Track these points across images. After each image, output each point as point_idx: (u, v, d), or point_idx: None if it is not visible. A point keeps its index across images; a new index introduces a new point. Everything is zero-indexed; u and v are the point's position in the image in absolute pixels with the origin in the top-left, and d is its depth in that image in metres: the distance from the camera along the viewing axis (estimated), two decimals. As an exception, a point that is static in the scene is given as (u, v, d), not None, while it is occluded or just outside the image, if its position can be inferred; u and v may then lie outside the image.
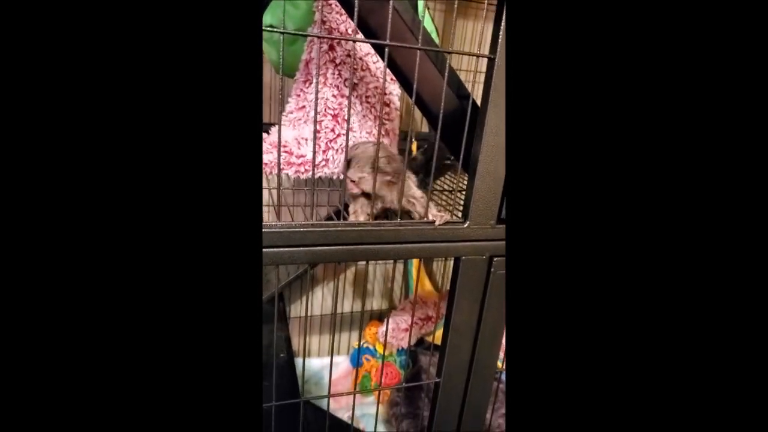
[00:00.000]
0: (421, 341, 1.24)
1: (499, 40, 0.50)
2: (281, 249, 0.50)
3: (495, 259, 0.59)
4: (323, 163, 0.80)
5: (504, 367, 0.79)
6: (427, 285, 1.31)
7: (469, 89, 0.60)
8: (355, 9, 0.47)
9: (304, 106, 0.84)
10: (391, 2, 0.48)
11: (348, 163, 0.61)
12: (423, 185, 0.64)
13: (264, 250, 0.49)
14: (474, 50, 0.53)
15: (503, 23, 0.49)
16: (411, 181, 0.62)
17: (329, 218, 0.59)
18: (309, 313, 1.38)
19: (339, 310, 1.41)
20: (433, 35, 0.95)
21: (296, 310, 1.36)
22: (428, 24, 0.94)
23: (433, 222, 0.56)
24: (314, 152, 0.54)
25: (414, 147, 1.14)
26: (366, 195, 0.63)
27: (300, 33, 0.54)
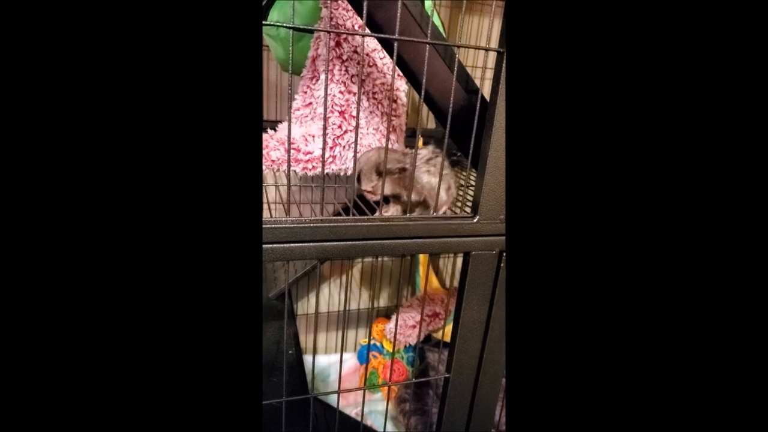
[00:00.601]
0: (428, 338, 1.24)
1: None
2: (291, 245, 0.50)
3: (505, 254, 0.59)
4: (330, 159, 0.79)
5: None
6: (434, 282, 1.31)
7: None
8: (364, 3, 0.46)
9: (310, 103, 0.84)
10: (399, -3, 0.48)
11: (359, 178, 0.63)
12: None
13: (274, 245, 0.49)
14: (480, 46, 0.53)
15: (513, 16, 0.49)
16: (422, 172, 0.62)
17: (337, 214, 0.59)
18: (317, 310, 1.38)
19: (345, 307, 1.41)
20: (440, 30, 0.94)
21: (303, 307, 1.36)
22: (435, 20, 0.94)
23: (438, 215, 0.56)
24: (324, 148, 0.54)
25: (420, 143, 1.14)
26: (387, 198, 0.65)
27: (309, 29, 0.54)
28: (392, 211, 0.65)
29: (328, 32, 0.48)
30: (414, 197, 0.63)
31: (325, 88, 0.51)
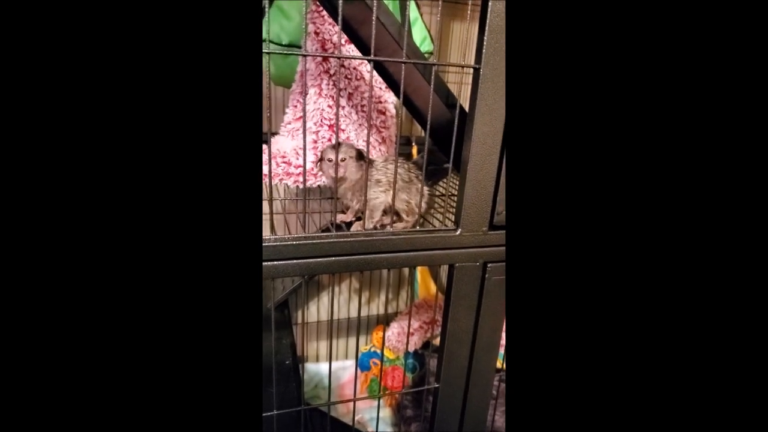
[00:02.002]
0: (428, 344, 1.24)
1: (484, 50, 0.50)
2: (275, 262, 0.51)
3: (489, 265, 0.59)
4: (321, 173, 0.81)
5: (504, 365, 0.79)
6: (432, 288, 1.31)
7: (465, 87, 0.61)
8: (339, 25, 0.47)
9: (301, 117, 0.85)
10: (374, 15, 0.49)
11: (335, 147, 0.62)
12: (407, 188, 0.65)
13: (257, 264, 0.50)
14: (471, 53, 0.53)
15: (486, 33, 0.49)
16: (379, 187, 0.63)
17: (326, 229, 0.60)
18: (317, 319, 1.39)
19: (345, 315, 1.42)
20: (426, 41, 0.95)
21: (302, 315, 1.37)
22: (421, 30, 0.95)
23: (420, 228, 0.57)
24: (304, 163, 0.55)
25: (414, 151, 1.15)
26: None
27: (285, 52, 0.55)
28: (350, 215, 0.68)
29: (304, 55, 0.48)
30: (357, 206, 0.65)
31: (304, 104, 0.52)
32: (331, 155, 0.61)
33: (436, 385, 0.65)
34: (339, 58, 0.47)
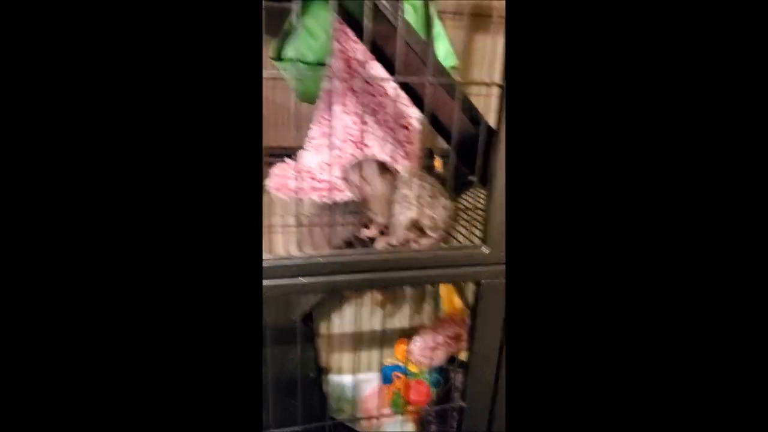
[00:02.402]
0: (453, 359, 1.23)
1: (509, 67, 0.50)
2: (301, 279, 0.52)
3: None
4: (346, 188, 0.82)
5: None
6: (457, 302, 1.30)
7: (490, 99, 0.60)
8: (368, 46, 0.48)
9: (326, 132, 0.86)
10: (398, 35, 0.50)
11: (359, 165, 0.63)
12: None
13: (283, 281, 0.51)
14: (496, 66, 0.53)
15: (512, 50, 0.49)
16: (404, 202, 0.62)
17: (349, 242, 0.61)
18: (340, 331, 1.39)
19: (368, 328, 1.41)
20: (450, 56, 0.95)
21: (326, 328, 1.37)
22: (444, 45, 0.95)
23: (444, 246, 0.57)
24: (330, 178, 0.56)
25: (438, 163, 1.15)
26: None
27: (312, 74, 0.56)
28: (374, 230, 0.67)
29: (329, 76, 0.49)
30: (382, 220, 0.65)
31: (330, 125, 0.53)
32: (354, 176, 0.62)
33: (462, 404, 0.64)
34: (366, 79, 0.48)
